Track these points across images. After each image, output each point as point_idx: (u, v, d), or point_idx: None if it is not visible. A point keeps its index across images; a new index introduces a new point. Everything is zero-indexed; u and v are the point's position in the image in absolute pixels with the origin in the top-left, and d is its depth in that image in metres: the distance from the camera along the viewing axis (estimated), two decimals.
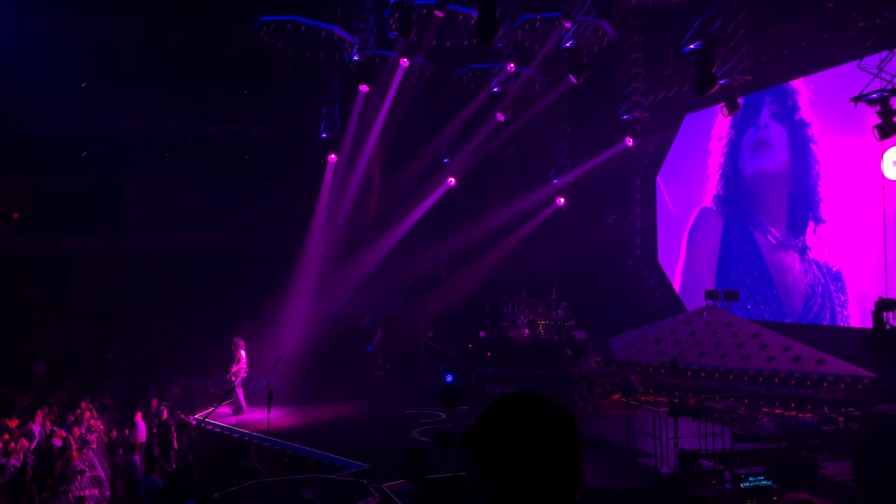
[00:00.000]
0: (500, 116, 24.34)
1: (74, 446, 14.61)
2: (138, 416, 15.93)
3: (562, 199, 26.67)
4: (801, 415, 14.85)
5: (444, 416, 16.99)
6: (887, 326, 12.62)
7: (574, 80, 20.49)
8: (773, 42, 19.13)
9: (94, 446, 15.73)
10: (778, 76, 20.14)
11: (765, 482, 11.49)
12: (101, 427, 16.70)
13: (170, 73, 25.87)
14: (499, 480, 1.68)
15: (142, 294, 23.65)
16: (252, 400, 18.19)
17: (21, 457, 13.54)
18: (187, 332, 23.72)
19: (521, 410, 1.75)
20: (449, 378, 19.61)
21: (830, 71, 18.57)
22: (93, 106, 25.32)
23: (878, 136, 14.99)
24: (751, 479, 11.50)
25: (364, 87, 22.02)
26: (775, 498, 11.30)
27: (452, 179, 25.88)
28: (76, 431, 15.52)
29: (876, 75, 15.11)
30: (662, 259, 25.88)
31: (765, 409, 16.41)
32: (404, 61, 21.64)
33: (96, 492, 14.06)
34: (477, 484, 1.71)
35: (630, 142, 23.34)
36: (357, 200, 25.49)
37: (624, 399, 16.60)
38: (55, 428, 15.34)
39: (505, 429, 1.72)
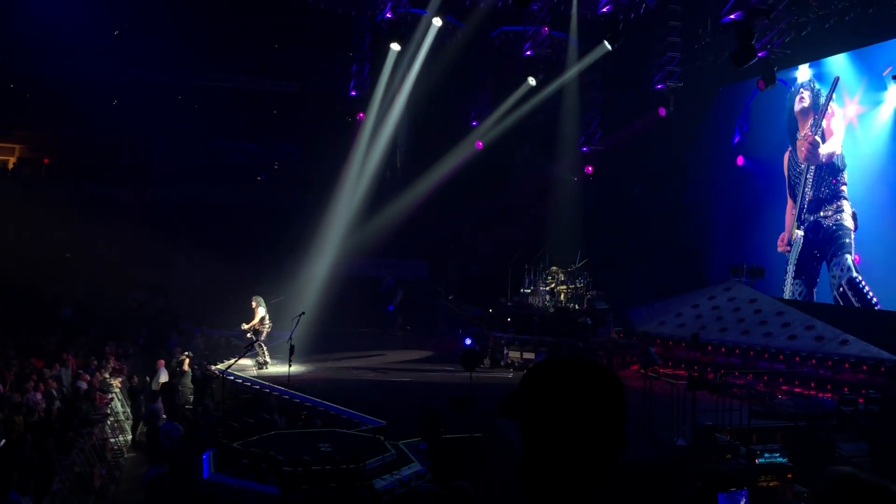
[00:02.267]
0: (532, 81, 24.04)
1: (98, 390, 14.90)
2: (161, 364, 16.19)
3: (590, 168, 26.45)
4: (820, 394, 14.76)
5: (462, 378, 17.09)
6: None
7: (610, 47, 20.18)
8: (816, 15, 18.64)
9: (118, 391, 16.02)
10: (819, 50, 19.65)
11: (780, 459, 11.47)
12: (125, 372, 17.00)
13: (200, 25, 25.76)
14: (544, 445, 1.66)
15: (166, 244, 23.86)
16: (274, 353, 18.42)
17: (47, 399, 13.82)
18: (210, 284, 23.97)
19: (567, 375, 1.71)
20: (468, 341, 19.70)
21: (874, 47, 18.09)
22: (123, 56, 25.32)
23: None
24: (766, 455, 11.48)
25: (396, 46, 21.80)
26: (790, 475, 11.28)
27: (480, 143, 25.71)
28: (99, 376, 15.82)
29: None
30: (688, 232, 25.64)
31: (784, 388, 16.33)
32: (437, 21, 21.37)
33: (119, 436, 14.34)
34: (525, 449, 1.68)
35: (663, 112, 22.98)
36: (384, 160, 25.41)
37: (642, 371, 16.57)
38: (81, 371, 15.63)
39: (551, 393, 1.68)
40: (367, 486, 10.08)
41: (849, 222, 19.21)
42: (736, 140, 23.83)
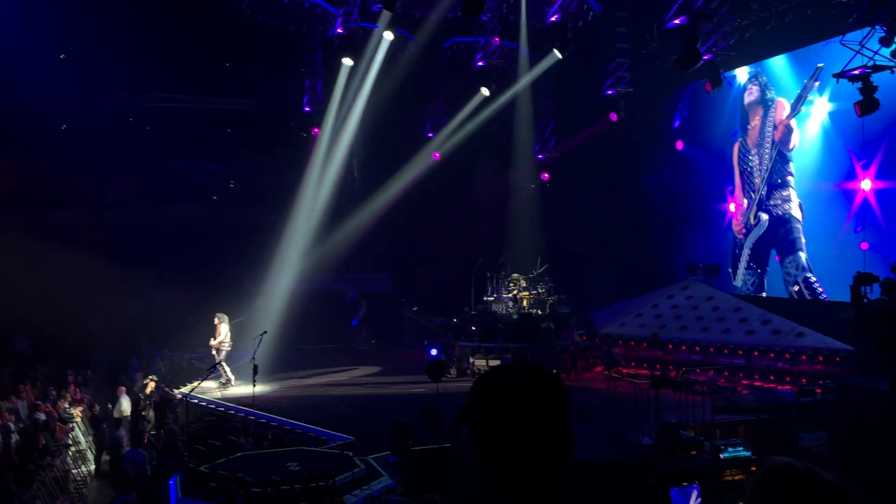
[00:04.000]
0: (486, 91, 24.25)
1: (59, 420, 14.61)
2: (122, 390, 15.95)
3: (546, 175, 26.75)
4: (779, 387, 15.15)
5: (428, 389, 17.11)
6: (865, 300, 12.81)
7: (560, 55, 20.48)
8: (757, 18, 19.14)
9: (78, 420, 15.73)
10: (762, 51, 20.19)
11: (744, 453, 11.73)
12: (85, 401, 16.70)
13: (150, 45, 25.49)
14: (495, 449, 1.73)
15: (123, 269, 23.48)
16: (237, 374, 18.26)
17: (3, 433, 13.51)
18: (170, 306, 23.63)
19: (511, 379, 1.79)
20: (433, 352, 19.74)
21: (813, 47, 18.63)
22: (71, 79, 24.92)
23: (858, 113, 15.12)
24: (730, 449, 11.73)
25: (348, 61, 21.85)
26: (753, 468, 11.53)
27: (437, 154, 25.83)
28: (60, 406, 15.52)
29: (858, 52, 15.20)
30: (644, 235, 26.04)
31: (744, 382, 16.69)
32: (388, 34, 21.46)
33: (81, 466, 14.08)
34: (476, 455, 1.76)
35: (614, 117, 23.37)
36: (341, 175, 25.38)
37: (606, 372, 16.79)
38: (39, 402, 15.31)
39: (497, 398, 1.76)
40: (338, 502, 10.05)
41: (796, 212, 19.66)
42: (676, 124, 24.42)
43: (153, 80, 26.17)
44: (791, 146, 19.81)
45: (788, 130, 19.86)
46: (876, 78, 14.90)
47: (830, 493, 1.75)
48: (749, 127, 21.20)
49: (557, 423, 1.75)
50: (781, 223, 20.13)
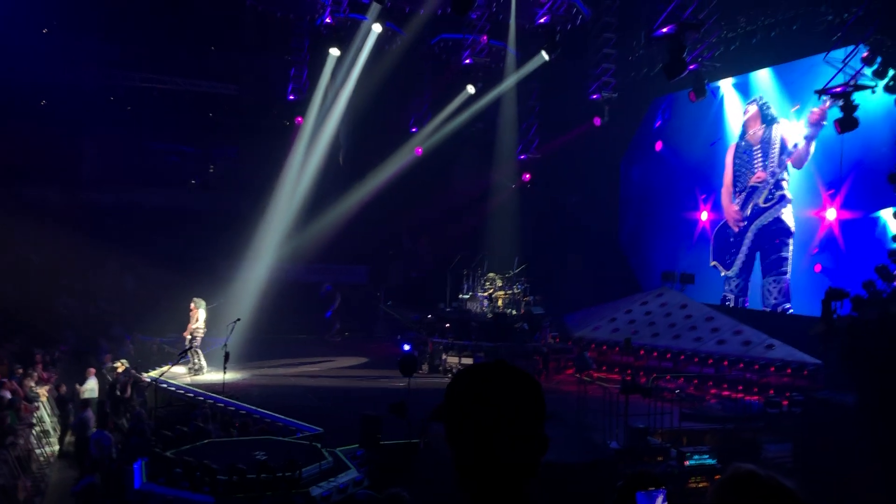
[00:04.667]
0: (471, 89, 24.25)
1: (24, 399, 14.40)
2: (91, 372, 15.75)
3: (528, 175, 26.82)
4: (747, 397, 15.32)
5: (400, 384, 17.11)
6: (835, 315, 13.00)
7: (547, 57, 20.53)
8: (744, 30, 19.32)
9: (44, 400, 15.51)
10: (747, 64, 20.40)
11: (709, 461, 11.87)
12: (52, 381, 16.47)
13: (135, 25, 25.18)
14: (468, 448, 1.74)
15: (97, 249, 23.19)
16: (208, 361, 18.12)
17: None
18: (142, 289, 23.38)
19: (487, 378, 1.80)
20: (406, 347, 19.72)
21: (798, 62, 18.86)
22: (52, 55, 24.55)
23: (839, 129, 15.32)
24: (696, 457, 11.86)
25: (335, 51, 21.75)
26: (717, 476, 11.64)
27: (420, 149, 25.80)
28: (26, 384, 15.29)
29: (840, 70, 15.40)
30: (622, 240, 26.24)
31: (713, 391, 16.85)
32: (377, 27, 21.39)
33: (45, 446, 13.90)
34: (451, 452, 1.76)
35: (598, 122, 23.45)
36: (322, 165, 25.25)
37: (577, 375, 16.87)
38: (4, 380, 15.07)
39: (472, 397, 1.77)
40: (304, 493, 10.02)
41: (790, 221, 19.79)
42: (657, 124, 24.61)
43: (136, 60, 25.89)
44: (781, 156, 20.04)
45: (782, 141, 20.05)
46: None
47: (791, 502, 1.77)
48: (748, 133, 21.20)
49: (532, 425, 1.75)
50: (772, 232, 20.29)
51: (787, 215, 19.80)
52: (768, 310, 19.94)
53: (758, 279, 20.59)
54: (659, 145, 24.56)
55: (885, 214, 15.90)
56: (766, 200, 20.49)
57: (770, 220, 20.35)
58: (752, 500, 1.80)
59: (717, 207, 22.46)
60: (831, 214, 18.16)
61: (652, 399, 13.23)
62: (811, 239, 18.82)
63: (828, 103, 16.13)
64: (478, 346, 19.43)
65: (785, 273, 19.71)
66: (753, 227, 20.91)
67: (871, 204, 16.96)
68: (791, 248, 19.63)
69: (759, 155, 20.78)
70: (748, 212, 21.01)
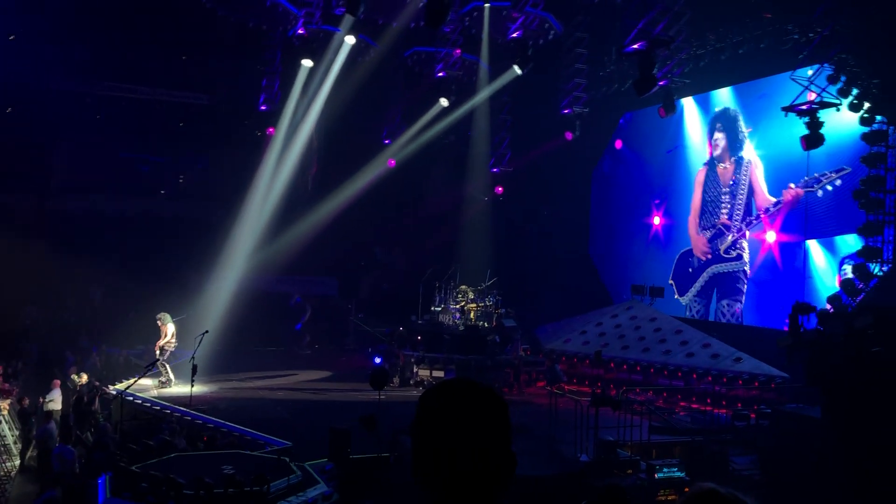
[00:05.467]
0: (444, 102, 24.31)
1: None
2: (56, 383, 15.48)
3: (500, 189, 26.93)
4: (715, 410, 15.43)
5: (370, 397, 17.01)
6: (802, 329, 13.17)
7: (519, 71, 20.67)
8: (713, 48, 19.62)
9: (5, 413, 15.19)
10: (716, 81, 20.72)
11: (678, 473, 11.92)
12: (14, 394, 16.14)
13: (105, 31, 24.91)
14: (436, 466, 1.73)
15: (65, 258, 22.82)
16: (176, 373, 17.86)
17: None
18: (110, 299, 23.04)
19: (454, 396, 1.80)
20: (377, 360, 19.63)
21: (766, 80, 19.21)
22: (21, 62, 24.19)
23: (804, 146, 15.58)
24: (665, 469, 11.90)
25: (307, 62, 21.68)
26: (686, 489, 11.71)
27: (392, 161, 25.79)
28: None
29: (807, 88, 15.69)
30: (592, 252, 26.41)
31: (682, 404, 16.99)
32: (350, 39, 21.38)
33: (6, 461, 13.59)
34: (417, 469, 1.76)
35: (569, 136, 23.64)
36: (294, 176, 25.12)
37: (548, 388, 16.90)
38: None
39: (439, 415, 1.77)
40: None
41: (748, 270, 20.16)
42: (621, 122, 24.95)
43: (106, 69, 25.60)
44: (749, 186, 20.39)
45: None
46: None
47: None
48: (720, 164, 21.41)
49: (497, 442, 1.75)
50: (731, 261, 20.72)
51: (746, 267, 20.19)
52: (735, 322, 20.22)
53: (713, 304, 21.13)
54: (619, 143, 25.03)
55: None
56: (726, 251, 20.86)
57: (728, 270, 20.75)
58: None
59: (668, 213, 22.93)
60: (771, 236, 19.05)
61: (622, 412, 13.29)
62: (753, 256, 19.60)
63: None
64: (449, 358, 19.39)
65: (739, 301, 20.24)
66: (712, 270, 21.30)
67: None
68: (746, 287, 20.10)
69: (728, 197, 21.07)
70: (714, 250, 21.35)
